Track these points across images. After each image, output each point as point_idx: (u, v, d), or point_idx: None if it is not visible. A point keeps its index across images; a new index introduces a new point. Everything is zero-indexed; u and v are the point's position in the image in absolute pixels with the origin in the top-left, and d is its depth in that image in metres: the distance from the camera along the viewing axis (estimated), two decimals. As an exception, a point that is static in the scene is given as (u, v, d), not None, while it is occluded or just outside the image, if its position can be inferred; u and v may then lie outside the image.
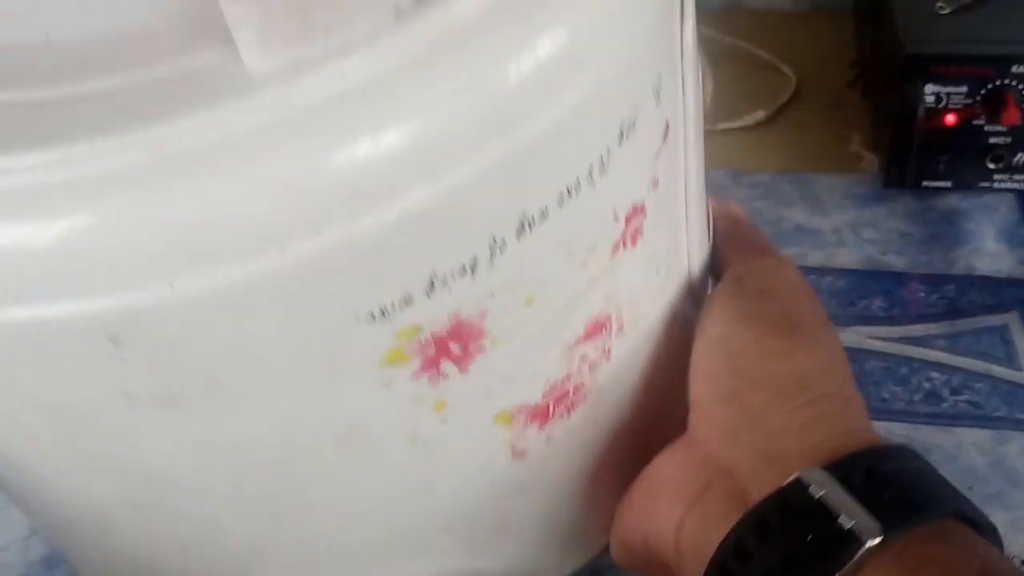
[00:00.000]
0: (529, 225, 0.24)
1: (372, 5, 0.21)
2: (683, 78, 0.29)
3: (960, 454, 0.43)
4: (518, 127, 0.23)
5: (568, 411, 0.29)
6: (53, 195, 0.20)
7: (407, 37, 0.22)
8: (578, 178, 0.24)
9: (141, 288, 0.21)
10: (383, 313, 0.23)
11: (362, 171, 0.21)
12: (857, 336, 0.48)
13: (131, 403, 0.23)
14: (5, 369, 0.23)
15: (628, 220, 0.27)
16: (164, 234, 0.21)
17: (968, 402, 0.45)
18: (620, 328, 0.29)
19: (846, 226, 0.54)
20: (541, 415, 0.28)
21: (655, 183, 0.28)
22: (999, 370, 0.46)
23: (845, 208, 0.55)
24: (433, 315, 0.24)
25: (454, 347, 0.25)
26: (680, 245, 0.32)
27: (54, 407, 0.24)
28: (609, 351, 0.29)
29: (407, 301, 0.23)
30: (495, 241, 0.23)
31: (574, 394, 0.29)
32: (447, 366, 0.25)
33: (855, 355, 0.46)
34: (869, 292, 0.50)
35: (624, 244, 0.27)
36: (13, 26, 0.24)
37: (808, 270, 0.51)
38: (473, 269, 0.23)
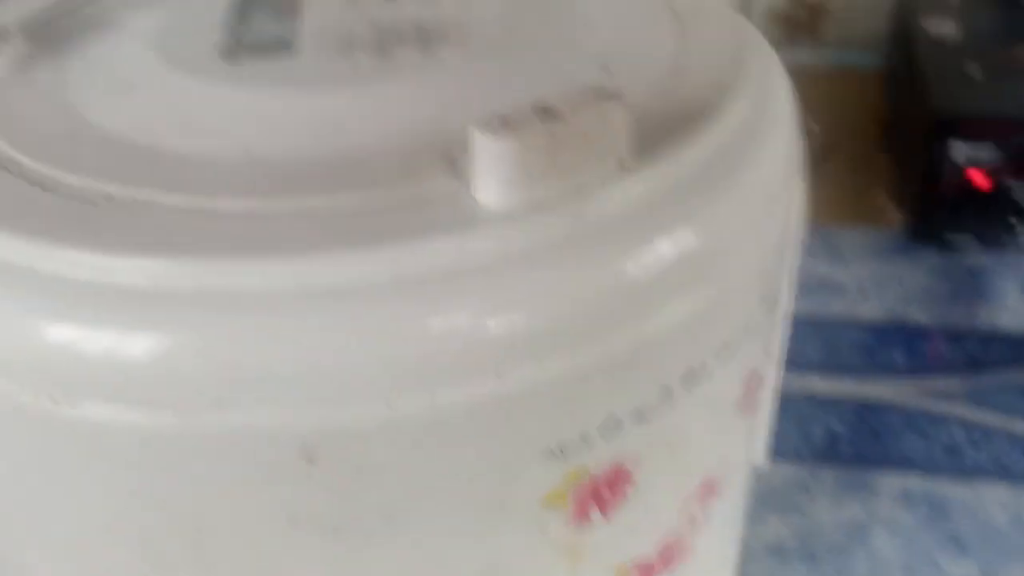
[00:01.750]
0: (693, 377, 0.25)
1: (603, 155, 0.23)
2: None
3: (981, 510, 0.43)
4: (708, 283, 0.24)
5: (668, 569, 0.29)
6: (286, 304, 0.21)
7: (627, 186, 0.23)
8: (729, 339, 0.26)
9: (356, 405, 0.21)
10: (561, 451, 0.23)
11: (587, 306, 0.22)
12: (878, 389, 0.48)
13: (294, 528, 0.23)
14: (156, 481, 0.22)
15: (749, 385, 0.28)
16: (389, 351, 0.21)
17: (990, 457, 0.45)
18: (720, 491, 0.30)
19: (869, 279, 0.55)
20: (645, 572, 0.29)
21: (766, 352, 0.29)
22: (1021, 426, 0.47)
23: (868, 261, 0.56)
24: (600, 457, 0.24)
25: (606, 492, 0.25)
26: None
27: (201, 526, 0.23)
28: (709, 513, 0.30)
29: (584, 439, 0.23)
30: (665, 389, 0.24)
31: (676, 552, 0.29)
32: (594, 512, 0.25)
33: (876, 408, 0.47)
34: (891, 345, 0.51)
35: (743, 408, 0.28)
36: (216, 141, 0.25)
37: (830, 322, 0.52)
38: (642, 415, 0.24)
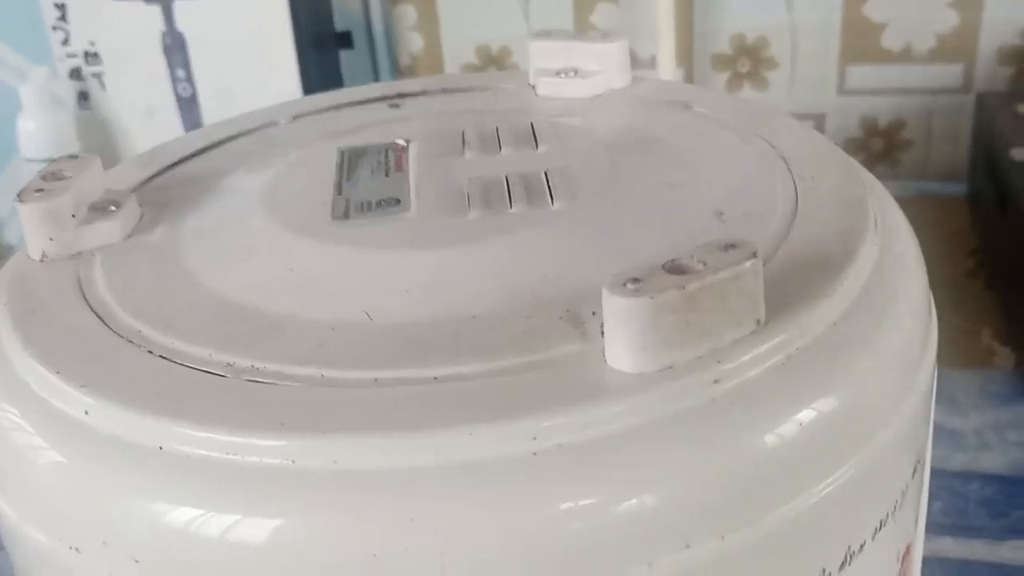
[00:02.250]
0: (850, 559, 0.23)
1: (739, 315, 0.21)
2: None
3: None
4: (864, 448, 0.22)
5: None
6: (426, 483, 0.19)
7: (766, 348, 0.22)
8: (887, 512, 0.24)
9: None
10: None
11: (731, 483, 0.21)
12: (1016, 552, 0.45)
13: None
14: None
15: (902, 561, 0.26)
16: (537, 536, 0.19)
17: None
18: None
19: (988, 427, 0.52)
20: None
21: (916, 520, 0.28)
22: None
23: (984, 408, 0.54)
24: None
25: None
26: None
27: None
28: None
29: None
30: (823, 574, 0.22)
31: None
32: None
33: (1015, 571, 0.43)
34: (1022, 501, 0.47)
35: None
36: (336, 305, 0.24)
37: (952, 475, 0.49)
38: None
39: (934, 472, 0.30)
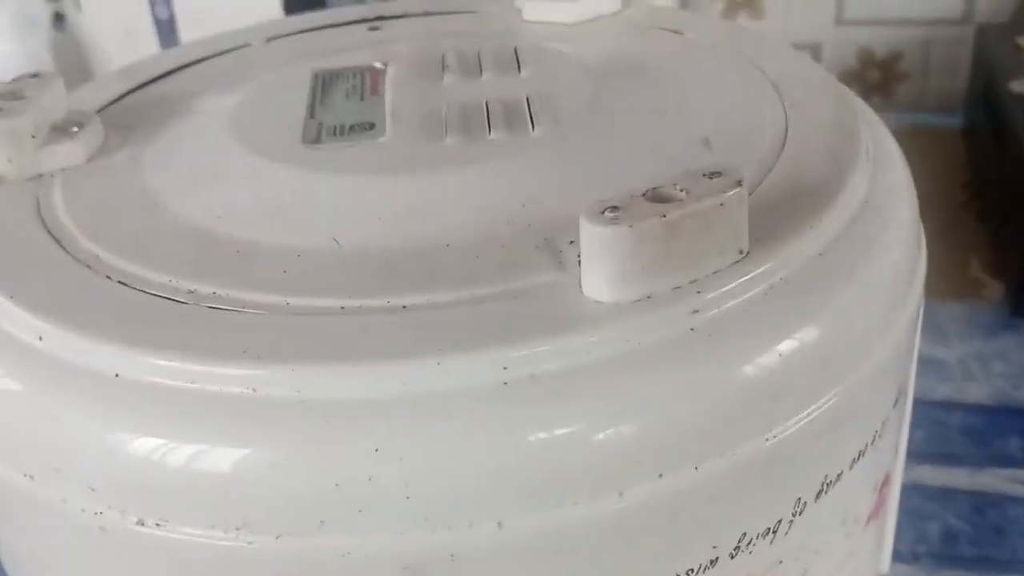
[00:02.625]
0: (827, 488, 0.22)
1: (722, 244, 0.21)
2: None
3: None
4: (845, 380, 0.22)
5: None
6: (391, 413, 0.19)
7: (748, 278, 0.21)
8: (866, 443, 0.23)
9: (464, 525, 0.19)
10: (688, 574, 0.21)
11: (707, 414, 0.20)
12: (996, 479, 0.45)
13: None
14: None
15: (881, 490, 0.26)
16: (499, 465, 0.19)
17: None
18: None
19: (973, 358, 0.52)
20: None
21: (896, 450, 0.27)
22: None
23: (970, 338, 0.53)
24: None
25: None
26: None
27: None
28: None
29: (713, 563, 0.21)
30: (798, 504, 0.22)
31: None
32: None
33: (995, 501, 0.43)
34: (1005, 431, 0.48)
35: (874, 516, 0.26)
36: (304, 231, 0.23)
37: (935, 404, 0.49)
38: (775, 532, 0.22)
39: (917, 401, 0.29)
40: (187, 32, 0.76)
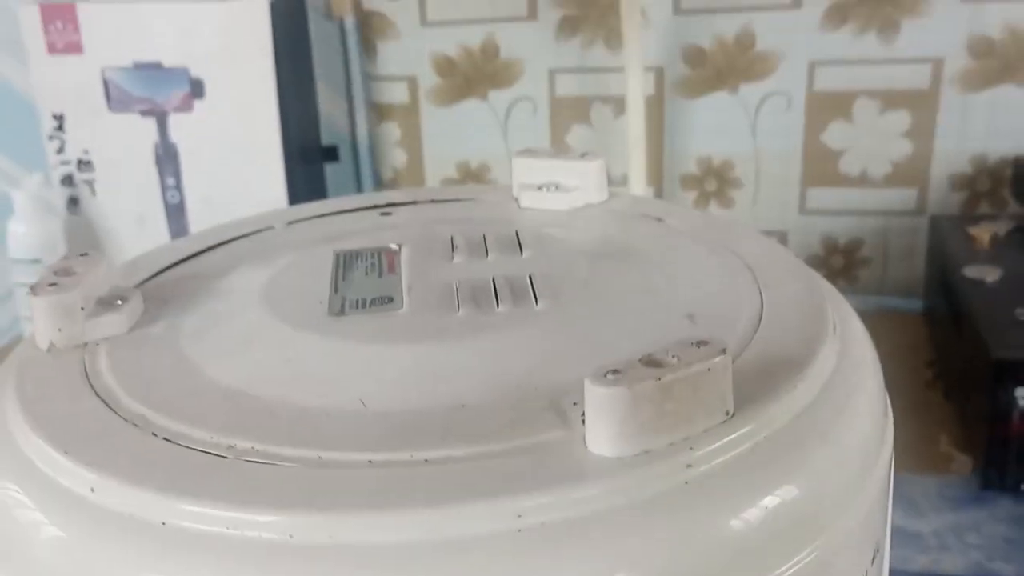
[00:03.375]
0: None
1: (710, 405, 0.23)
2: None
3: None
4: (825, 533, 0.24)
5: None
6: (412, 557, 0.20)
7: (735, 436, 0.23)
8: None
9: None
10: None
11: (699, 564, 0.22)
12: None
13: None
14: None
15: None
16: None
17: None
18: None
19: (947, 530, 0.54)
20: None
21: None
22: None
23: (943, 511, 0.55)
24: None
25: None
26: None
27: None
28: None
29: None
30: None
31: None
32: None
33: None
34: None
35: None
36: (332, 393, 0.26)
37: (914, 577, 0.50)
38: None
39: (896, 574, 0.31)
40: (195, 217, 0.80)
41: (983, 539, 0.53)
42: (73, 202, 0.82)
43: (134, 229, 0.81)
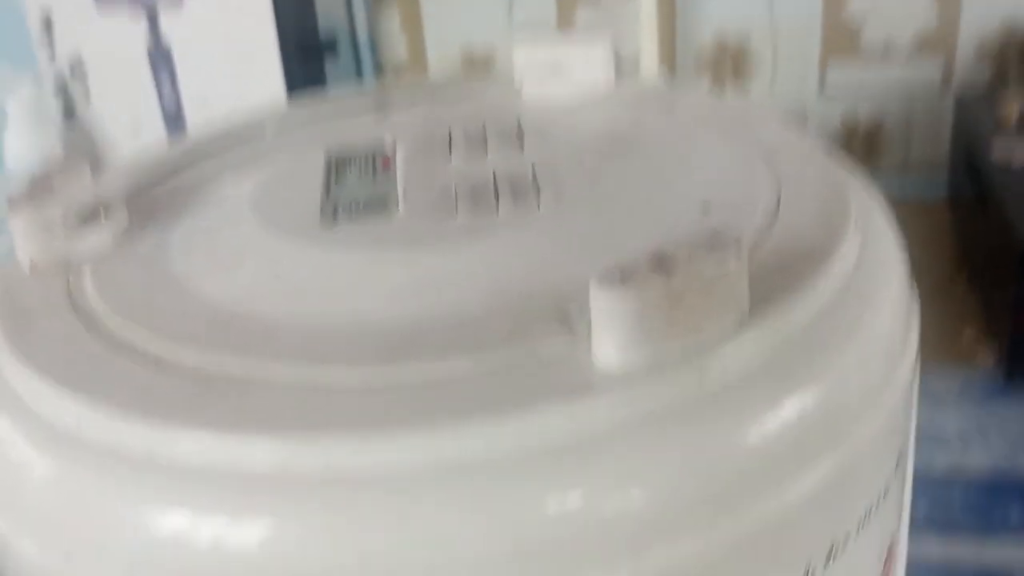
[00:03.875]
0: (835, 554, 0.23)
1: (724, 308, 0.22)
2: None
3: None
4: (848, 440, 0.23)
5: None
6: (413, 483, 0.20)
7: (751, 341, 0.22)
8: (871, 506, 0.24)
9: None
10: None
11: (717, 478, 0.21)
12: (1001, 551, 0.45)
13: None
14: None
15: (888, 557, 0.26)
16: (523, 534, 0.20)
17: None
18: None
19: (970, 427, 0.52)
20: None
21: (900, 518, 0.28)
22: None
23: (966, 406, 0.54)
24: None
25: None
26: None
27: None
28: None
29: None
30: (808, 571, 0.22)
31: None
32: None
33: (1001, 574, 0.43)
34: (1006, 501, 0.48)
35: None
36: (324, 307, 0.24)
37: (935, 475, 0.49)
38: None
39: (916, 471, 0.30)
40: (194, 121, 0.78)
41: (1006, 435, 0.52)
42: (68, 111, 0.80)
43: (132, 135, 0.79)
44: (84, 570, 0.21)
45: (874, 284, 0.26)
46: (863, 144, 0.85)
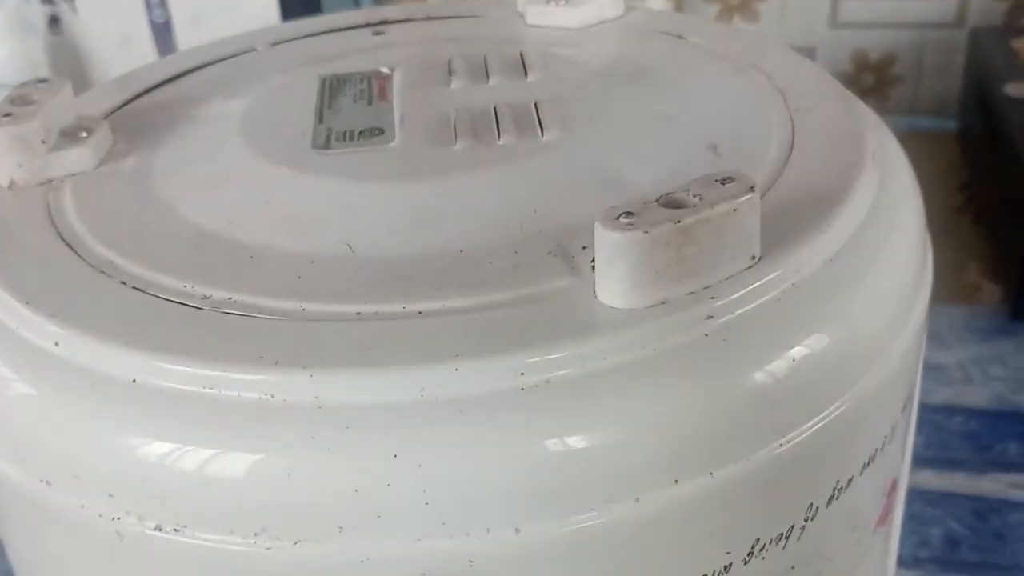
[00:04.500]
0: (838, 493, 0.23)
1: (735, 249, 0.21)
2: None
3: None
4: (857, 384, 0.22)
5: None
6: (409, 419, 0.19)
7: (761, 284, 0.21)
8: (876, 448, 0.23)
9: (483, 532, 0.19)
10: None
11: (722, 419, 0.20)
12: (997, 485, 0.45)
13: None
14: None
15: (888, 495, 0.26)
16: (516, 471, 0.19)
17: None
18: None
19: (972, 362, 0.52)
20: None
21: (903, 455, 0.27)
22: None
23: (969, 342, 0.53)
24: None
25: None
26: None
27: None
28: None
29: (726, 569, 0.21)
30: (811, 509, 0.22)
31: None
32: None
33: (996, 506, 0.44)
34: (1004, 435, 0.48)
35: (882, 521, 0.26)
36: (317, 237, 0.23)
37: (935, 408, 0.49)
38: (787, 538, 0.22)
39: (918, 405, 0.30)
40: (183, 36, 0.76)
41: (1008, 371, 0.51)
42: (54, 22, 0.77)
43: (119, 50, 0.77)
44: (64, 495, 0.20)
45: (889, 228, 0.25)
46: (873, 79, 0.83)
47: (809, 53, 0.83)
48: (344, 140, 0.28)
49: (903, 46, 0.81)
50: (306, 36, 0.36)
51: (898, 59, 0.81)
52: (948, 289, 0.57)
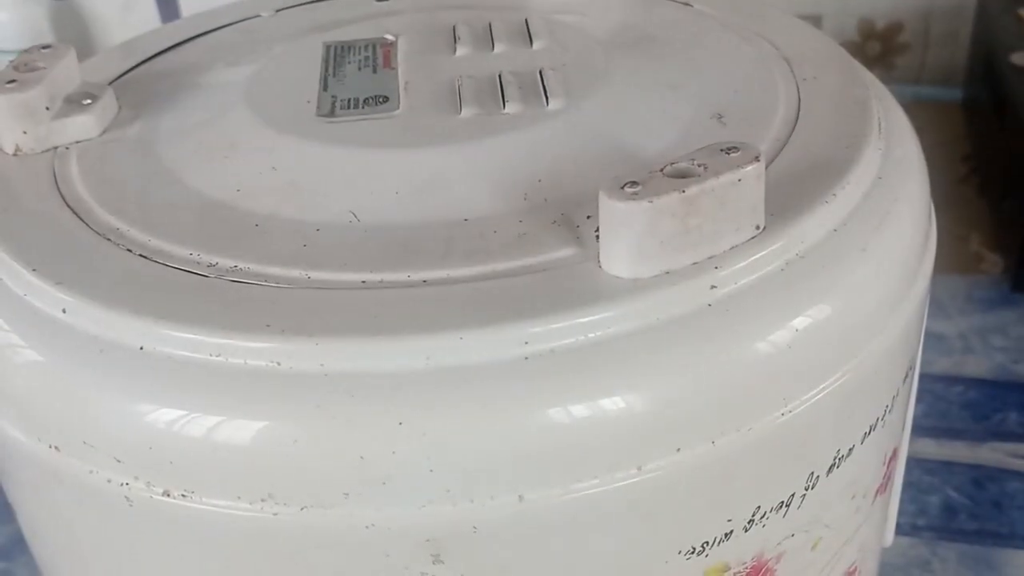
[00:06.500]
0: (839, 462, 0.23)
1: (739, 220, 0.21)
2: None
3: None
4: (859, 355, 0.22)
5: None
6: (415, 387, 0.19)
7: (765, 254, 0.21)
8: (877, 418, 0.24)
9: (487, 499, 0.19)
10: (703, 547, 0.21)
11: (724, 388, 0.20)
12: (996, 454, 0.45)
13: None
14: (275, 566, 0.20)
15: (888, 464, 0.26)
16: (520, 438, 0.19)
17: None
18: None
19: (972, 332, 0.52)
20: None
21: (903, 425, 0.27)
22: None
23: (970, 312, 0.53)
24: (741, 553, 0.22)
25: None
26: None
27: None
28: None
29: (727, 536, 0.21)
30: (811, 478, 0.22)
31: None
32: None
33: (995, 475, 0.44)
34: (1004, 405, 0.48)
35: (882, 490, 0.26)
36: (322, 205, 0.23)
37: (935, 378, 0.49)
38: (788, 506, 0.22)
39: (919, 375, 0.30)
40: (186, 2, 0.75)
41: (1009, 341, 0.51)
42: (56, -14, 0.77)
43: (122, 15, 0.76)
44: (73, 461, 0.21)
45: (893, 197, 0.25)
46: (879, 47, 0.82)
47: (815, 21, 0.82)
48: (349, 108, 0.27)
49: (910, 14, 0.80)
50: (310, 2, 0.36)
51: (905, 27, 0.81)
52: (950, 259, 0.57)
